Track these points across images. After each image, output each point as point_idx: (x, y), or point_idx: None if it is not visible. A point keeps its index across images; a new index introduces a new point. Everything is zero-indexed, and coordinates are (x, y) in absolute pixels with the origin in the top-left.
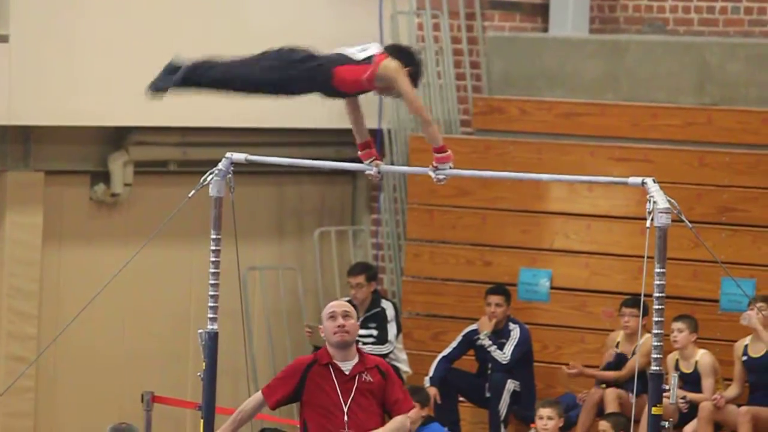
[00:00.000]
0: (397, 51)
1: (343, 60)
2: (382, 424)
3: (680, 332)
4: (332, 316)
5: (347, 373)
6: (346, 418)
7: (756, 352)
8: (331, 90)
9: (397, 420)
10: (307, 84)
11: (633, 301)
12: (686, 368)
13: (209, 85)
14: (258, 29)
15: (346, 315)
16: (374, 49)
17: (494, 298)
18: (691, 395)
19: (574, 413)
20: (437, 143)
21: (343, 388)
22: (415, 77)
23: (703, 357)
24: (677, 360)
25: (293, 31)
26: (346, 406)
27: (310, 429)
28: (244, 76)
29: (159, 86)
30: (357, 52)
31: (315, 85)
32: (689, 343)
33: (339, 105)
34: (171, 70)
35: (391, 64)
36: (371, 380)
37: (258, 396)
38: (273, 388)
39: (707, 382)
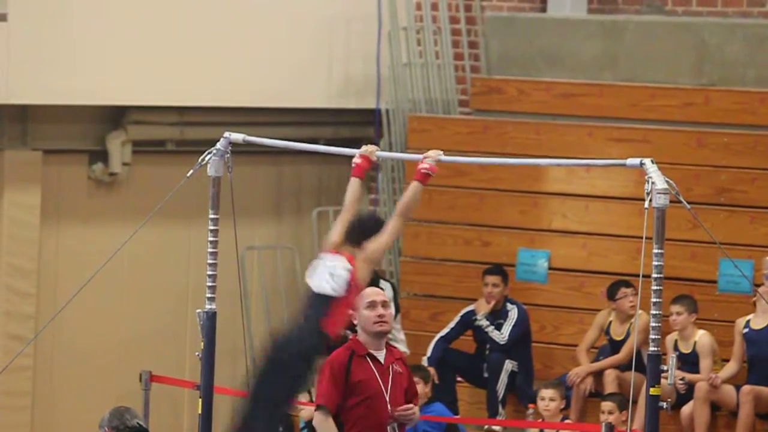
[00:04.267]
0: (357, 232)
1: (325, 307)
2: None
3: (679, 315)
4: (372, 305)
5: (383, 363)
6: (389, 406)
7: (758, 324)
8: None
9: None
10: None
11: (628, 282)
12: (685, 348)
13: None
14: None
15: (384, 304)
16: (340, 267)
17: (491, 279)
18: (689, 376)
19: (572, 393)
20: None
21: (382, 377)
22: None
23: (702, 337)
24: (676, 340)
25: None
26: (387, 394)
27: (351, 419)
28: None
29: None
30: (326, 282)
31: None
32: (688, 324)
33: (338, 85)
34: None
35: (362, 269)
36: (400, 371)
37: (322, 413)
38: (329, 396)
39: (705, 363)
